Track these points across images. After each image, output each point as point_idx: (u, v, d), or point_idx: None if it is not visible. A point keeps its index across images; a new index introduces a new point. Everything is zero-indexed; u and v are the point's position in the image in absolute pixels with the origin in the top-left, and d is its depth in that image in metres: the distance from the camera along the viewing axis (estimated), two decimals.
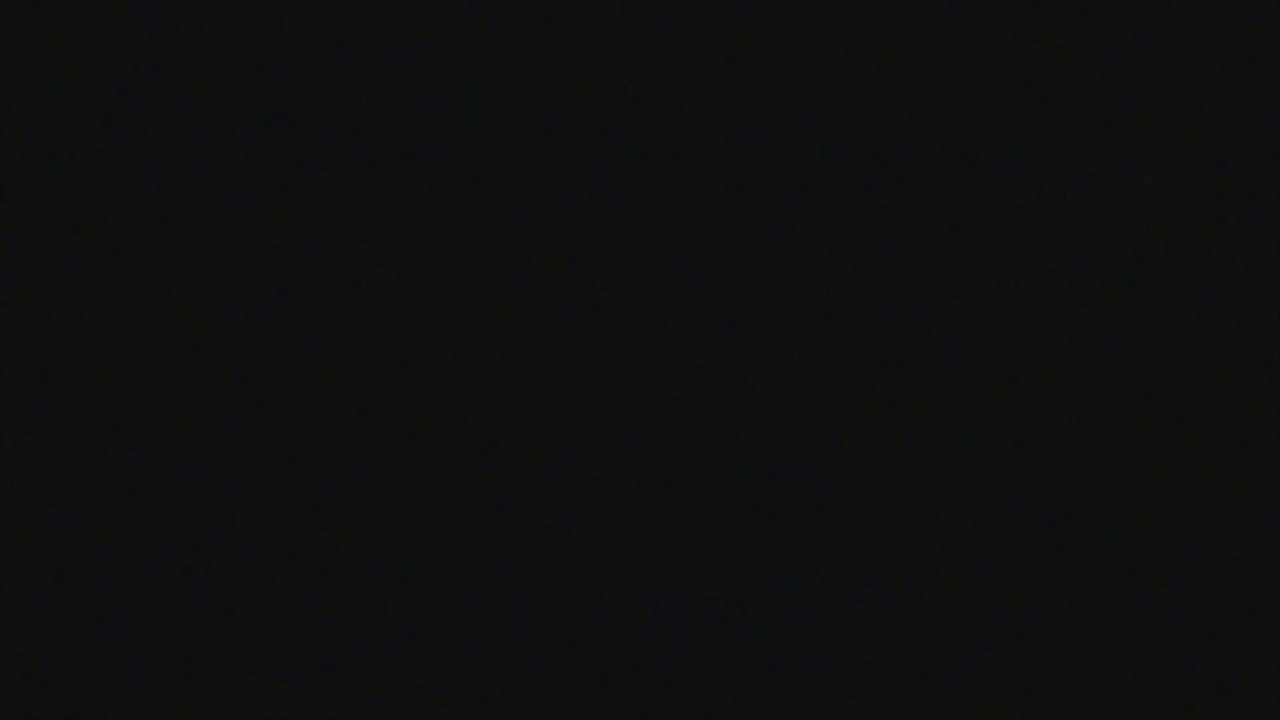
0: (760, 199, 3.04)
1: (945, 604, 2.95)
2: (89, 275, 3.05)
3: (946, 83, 3.19)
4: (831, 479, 3.04)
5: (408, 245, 3.09)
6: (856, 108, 3.14)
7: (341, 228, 3.08)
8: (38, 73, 3.12)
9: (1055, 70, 3.16)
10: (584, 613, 2.95)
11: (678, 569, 2.98)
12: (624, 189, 3.16)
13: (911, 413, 3.06)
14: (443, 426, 3.03)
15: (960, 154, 3.20)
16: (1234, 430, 3.04)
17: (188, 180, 3.06)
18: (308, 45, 3.13)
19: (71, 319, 3.02)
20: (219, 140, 3.10)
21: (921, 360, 3.11)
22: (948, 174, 3.12)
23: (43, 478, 2.97)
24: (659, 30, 3.22)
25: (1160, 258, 3.13)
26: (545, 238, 3.08)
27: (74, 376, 3.00)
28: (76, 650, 2.88)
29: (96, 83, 3.15)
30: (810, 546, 3.00)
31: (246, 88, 3.10)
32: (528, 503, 3.00)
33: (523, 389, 3.03)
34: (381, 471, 2.99)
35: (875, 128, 3.13)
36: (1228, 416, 3.06)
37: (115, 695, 2.88)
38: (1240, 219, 3.17)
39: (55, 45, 3.10)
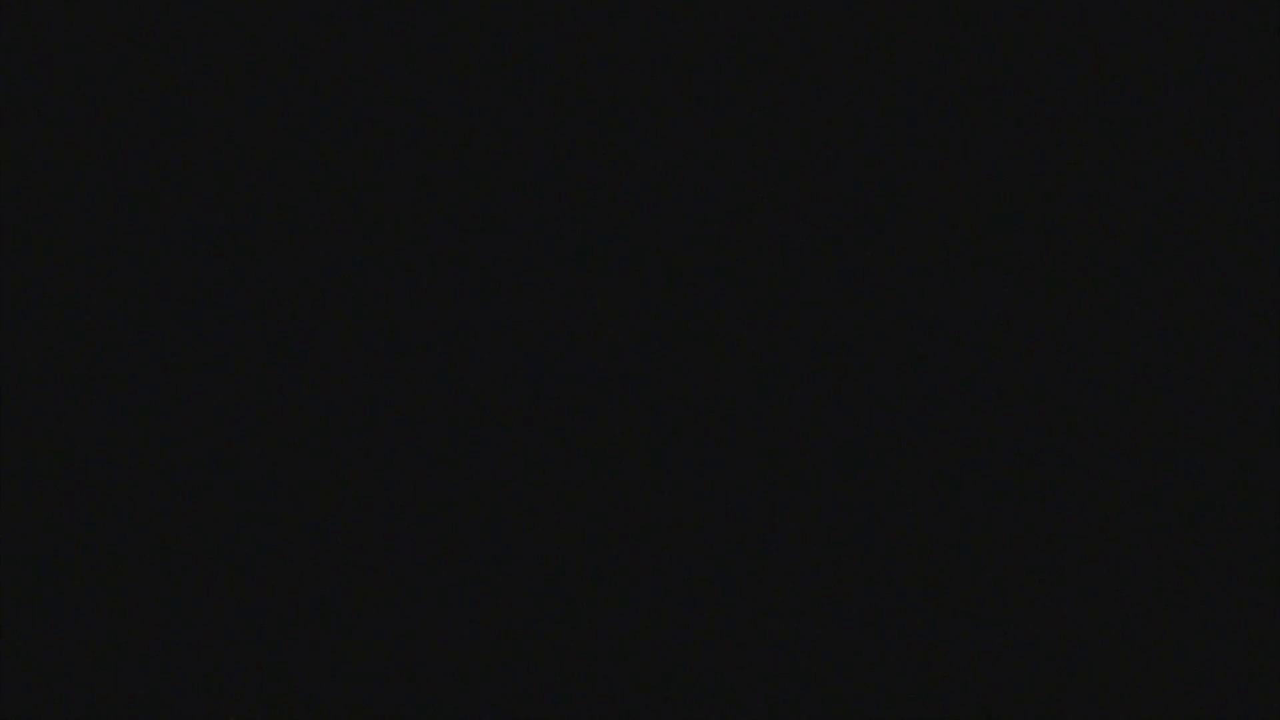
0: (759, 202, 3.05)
1: (945, 605, 2.95)
2: (89, 275, 3.05)
3: (946, 83, 3.19)
4: (831, 479, 3.04)
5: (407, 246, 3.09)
6: (856, 109, 3.14)
7: (341, 229, 3.08)
8: (37, 73, 3.12)
9: (1055, 71, 3.16)
10: (584, 613, 2.95)
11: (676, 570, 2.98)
12: (624, 190, 3.16)
13: (911, 416, 3.06)
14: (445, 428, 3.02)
15: (960, 155, 3.20)
16: (1234, 430, 3.05)
17: (187, 180, 3.06)
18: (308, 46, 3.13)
19: (71, 319, 3.02)
20: (218, 140, 3.10)
21: (921, 362, 3.11)
22: (947, 175, 3.12)
23: (42, 479, 2.97)
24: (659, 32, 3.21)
25: (1161, 258, 3.13)
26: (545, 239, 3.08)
27: (73, 377, 3.00)
28: (76, 650, 2.88)
29: (96, 83, 3.14)
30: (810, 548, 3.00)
31: (247, 88, 3.10)
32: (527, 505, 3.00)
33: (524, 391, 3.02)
34: (381, 473, 2.99)
35: (875, 129, 3.13)
36: (1227, 417, 3.06)
37: (115, 695, 2.88)
38: (1240, 219, 3.17)
39: (55, 46, 3.10)
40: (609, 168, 3.21)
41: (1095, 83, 3.28)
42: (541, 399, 3.08)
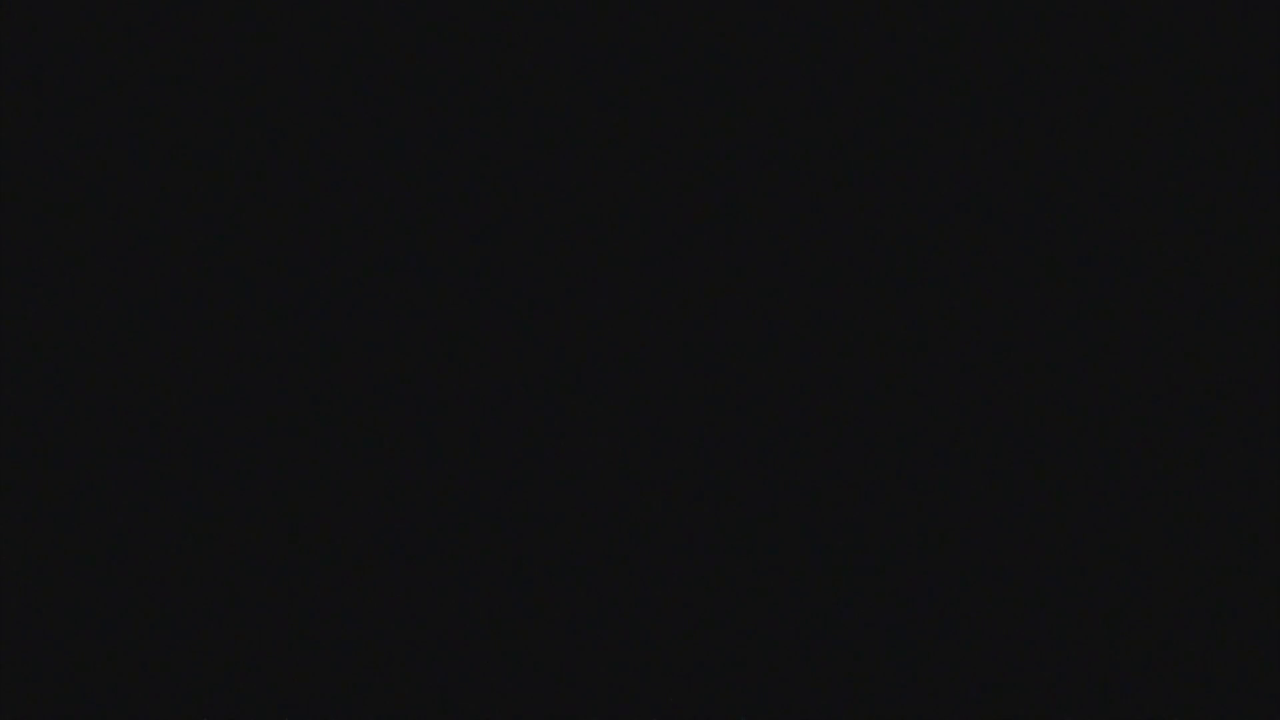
0: (758, 200, 3.05)
1: (945, 604, 2.94)
2: (89, 275, 3.05)
3: (946, 83, 3.19)
4: (831, 478, 3.04)
5: (408, 245, 3.09)
6: (857, 108, 3.14)
7: (341, 227, 3.08)
8: (38, 73, 3.12)
9: (1055, 70, 3.16)
10: (583, 613, 2.95)
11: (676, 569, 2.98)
12: (623, 189, 3.16)
13: (912, 413, 3.06)
14: (443, 426, 3.02)
15: (960, 154, 3.20)
16: (1234, 430, 3.04)
17: (187, 180, 3.06)
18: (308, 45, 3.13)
19: (71, 319, 3.02)
20: (218, 140, 3.09)
21: (921, 360, 3.10)
22: (947, 174, 3.12)
23: (42, 477, 2.97)
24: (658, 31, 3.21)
25: (1160, 257, 3.13)
26: (545, 237, 3.08)
27: (73, 377, 3.00)
28: (76, 650, 2.88)
29: (96, 83, 3.14)
30: (810, 547, 2.99)
31: (247, 87, 3.10)
32: (527, 503, 2.99)
33: (522, 389, 3.03)
34: (381, 472, 2.99)
35: (875, 128, 3.13)
36: (1227, 416, 3.06)
37: (116, 695, 2.88)
38: (1240, 219, 3.17)
39: (55, 45, 3.10)
40: (609, 168, 3.20)
41: (1095, 83, 3.27)
42: (540, 399, 3.07)
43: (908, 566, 2.98)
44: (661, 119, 3.21)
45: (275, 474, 2.98)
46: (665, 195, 3.15)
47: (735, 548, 2.99)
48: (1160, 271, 3.12)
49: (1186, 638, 2.92)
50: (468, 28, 3.23)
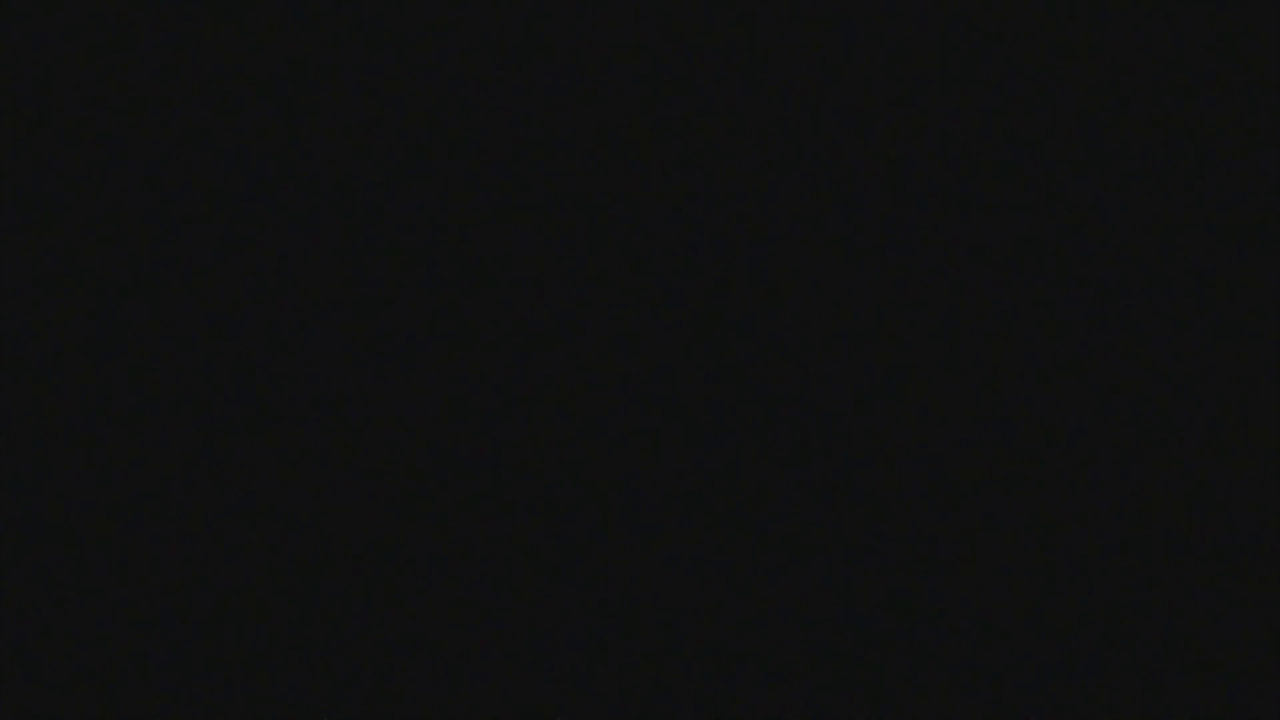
0: (759, 199, 3.05)
1: (944, 604, 2.94)
2: (89, 275, 3.05)
3: (946, 83, 3.19)
4: (830, 478, 3.03)
5: (408, 245, 3.09)
6: (856, 108, 3.14)
7: (341, 227, 3.09)
8: (38, 73, 3.13)
9: (1055, 70, 3.16)
10: (583, 613, 2.95)
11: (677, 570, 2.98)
12: (623, 189, 3.16)
13: (911, 413, 3.06)
14: (443, 427, 3.03)
15: (960, 154, 3.20)
16: (1234, 430, 3.04)
17: (187, 180, 3.07)
18: (309, 46, 3.13)
19: (71, 319, 3.02)
20: (218, 140, 3.10)
21: (920, 360, 3.10)
22: (947, 174, 3.12)
23: (42, 477, 2.97)
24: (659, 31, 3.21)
25: (1160, 257, 3.13)
26: (545, 237, 3.09)
27: (74, 377, 3.00)
28: (76, 650, 2.88)
29: (96, 83, 3.14)
30: (810, 546, 2.99)
31: (247, 87, 3.11)
32: (527, 503, 3.00)
33: (523, 389, 3.03)
34: (381, 472, 2.99)
35: (875, 128, 3.13)
36: (1228, 417, 3.06)
37: (116, 695, 2.88)
38: (1240, 219, 3.17)
39: (55, 45, 3.11)
40: (609, 168, 3.20)
41: (1096, 83, 3.27)
42: (539, 399, 3.07)
43: (907, 567, 2.98)
44: (661, 119, 3.21)
45: (275, 473, 2.98)
46: (665, 195, 3.15)
47: (735, 548, 2.99)
48: (1160, 272, 3.12)
49: (1186, 637, 2.92)
50: (467, 27, 3.22)
